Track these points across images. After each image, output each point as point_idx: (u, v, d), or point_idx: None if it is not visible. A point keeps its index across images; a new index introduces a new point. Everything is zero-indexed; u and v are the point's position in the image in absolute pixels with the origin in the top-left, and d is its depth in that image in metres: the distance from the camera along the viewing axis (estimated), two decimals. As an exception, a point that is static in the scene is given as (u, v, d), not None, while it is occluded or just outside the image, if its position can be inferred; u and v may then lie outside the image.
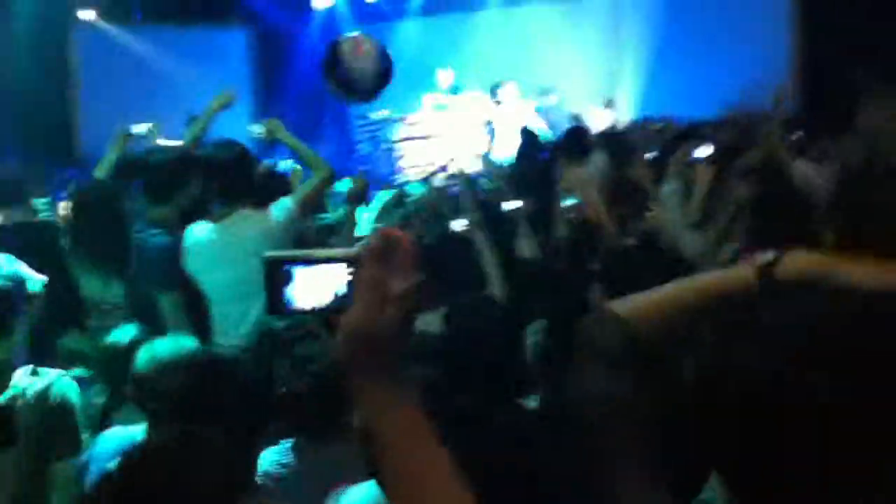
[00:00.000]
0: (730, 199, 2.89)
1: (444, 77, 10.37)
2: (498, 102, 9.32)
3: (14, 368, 2.41)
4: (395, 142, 10.43)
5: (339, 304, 1.04)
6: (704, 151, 3.22)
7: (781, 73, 8.78)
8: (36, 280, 2.50)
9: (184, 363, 2.36)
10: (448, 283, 3.30)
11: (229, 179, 3.31)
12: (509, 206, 3.97)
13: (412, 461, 0.91)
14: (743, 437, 0.81)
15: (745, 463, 0.81)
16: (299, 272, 1.06)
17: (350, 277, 1.03)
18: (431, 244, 4.35)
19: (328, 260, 1.06)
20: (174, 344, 2.48)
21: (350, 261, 1.03)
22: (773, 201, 2.59)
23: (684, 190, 3.17)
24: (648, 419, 1.06)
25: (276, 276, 1.06)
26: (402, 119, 10.40)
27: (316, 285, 1.06)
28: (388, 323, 0.92)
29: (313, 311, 1.06)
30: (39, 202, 4.39)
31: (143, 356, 2.43)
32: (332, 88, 3.86)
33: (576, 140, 5.89)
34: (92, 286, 3.50)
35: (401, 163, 10.42)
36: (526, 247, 3.85)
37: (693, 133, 4.65)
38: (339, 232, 4.68)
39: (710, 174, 3.19)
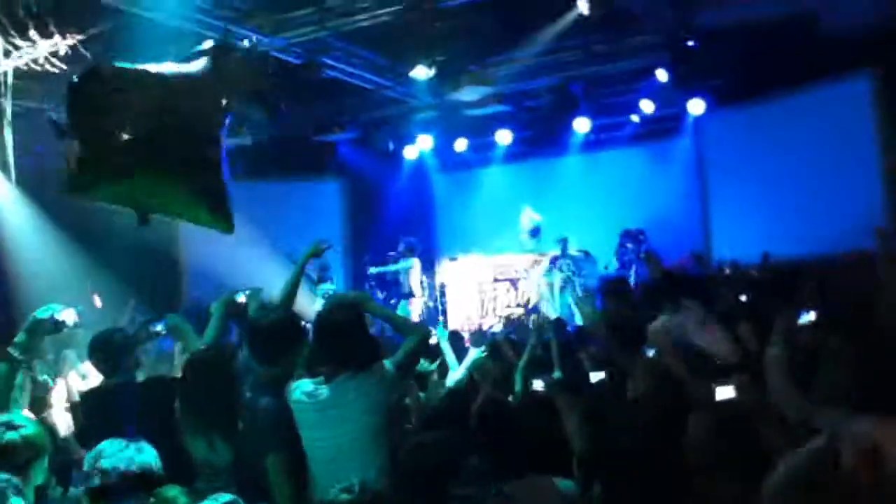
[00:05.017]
0: (841, 359, 2.82)
1: (527, 220, 10.62)
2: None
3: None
4: (483, 286, 10.56)
5: None
6: (810, 317, 3.16)
7: (876, 208, 8.63)
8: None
9: None
10: (528, 448, 3.26)
11: (340, 342, 3.43)
12: (595, 377, 3.92)
13: None
14: None
15: None
16: None
17: None
18: (511, 405, 4.32)
19: None
20: None
21: None
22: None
23: (789, 352, 3.11)
24: None
25: None
26: (490, 261, 10.58)
27: None
28: None
29: None
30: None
31: None
32: None
33: (665, 287, 5.82)
34: (198, 448, 3.59)
35: (487, 305, 10.52)
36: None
37: (793, 283, 4.57)
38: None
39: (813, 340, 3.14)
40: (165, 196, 3.63)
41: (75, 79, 3.55)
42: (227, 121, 3.88)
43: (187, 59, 3.90)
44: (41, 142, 9.15)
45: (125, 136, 3.31)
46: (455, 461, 3.04)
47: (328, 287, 10.47)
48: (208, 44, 3.87)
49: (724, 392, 2.40)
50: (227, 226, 3.81)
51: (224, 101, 3.80)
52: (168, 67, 3.71)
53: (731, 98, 10.01)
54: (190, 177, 3.67)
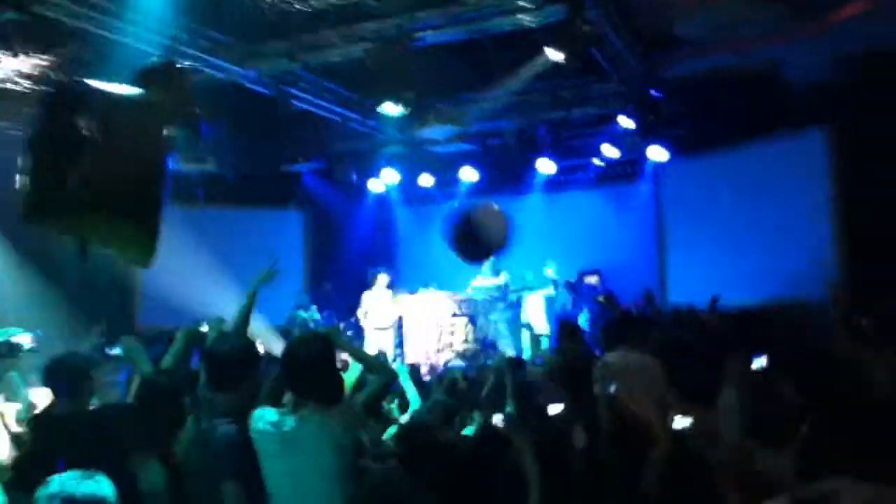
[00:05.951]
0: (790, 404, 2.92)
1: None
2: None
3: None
4: (441, 320, 10.55)
5: None
6: (759, 362, 3.26)
7: (827, 259, 8.89)
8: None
9: None
10: (484, 484, 3.29)
11: (307, 376, 3.43)
12: (553, 409, 3.99)
13: None
14: None
15: None
16: None
17: None
18: (468, 439, 4.35)
19: None
20: None
21: None
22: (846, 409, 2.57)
23: (742, 397, 3.19)
24: None
25: None
26: (449, 296, 10.59)
27: None
28: None
29: None
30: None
31: None
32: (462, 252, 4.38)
33: (621, 327, 5.92)
34: (148, 474, 3.55)
35: (444, 339, 10.51)
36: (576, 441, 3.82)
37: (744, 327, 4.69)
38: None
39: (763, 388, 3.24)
40: (104, 229, 3.47)
41: (41, 99, 3.42)
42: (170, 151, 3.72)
43: (132, 78, 3.77)
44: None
45: (75, 168, 3.18)
46: (412, 499, 3.06)
47: (306, 315, 10.41)
48: (150, 64, 3.74)
49: (682, 422, 2.48)
50: (148, 261, 3.61)
51: (166, 129, 3.65)
52: (120, 89, 3.54)
53: (691, 147, 10.30)
54: (131, 209, 3.50)
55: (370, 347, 9.55)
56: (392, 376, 3.79)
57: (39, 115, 3.35)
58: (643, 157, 10.91)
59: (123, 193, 3.26)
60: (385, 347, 9.75)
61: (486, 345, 10.12)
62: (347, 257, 12.34)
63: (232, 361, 3.59)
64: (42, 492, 2.56)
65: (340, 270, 12.15)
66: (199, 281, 10.01)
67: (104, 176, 3.20)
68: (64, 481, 2.57)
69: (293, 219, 12.76)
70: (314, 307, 11.02)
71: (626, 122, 9.79)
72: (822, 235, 9.21)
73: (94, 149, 3.19)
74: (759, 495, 2.40)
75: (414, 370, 6.63)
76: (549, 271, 10.22)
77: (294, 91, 8.91)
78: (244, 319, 4.14)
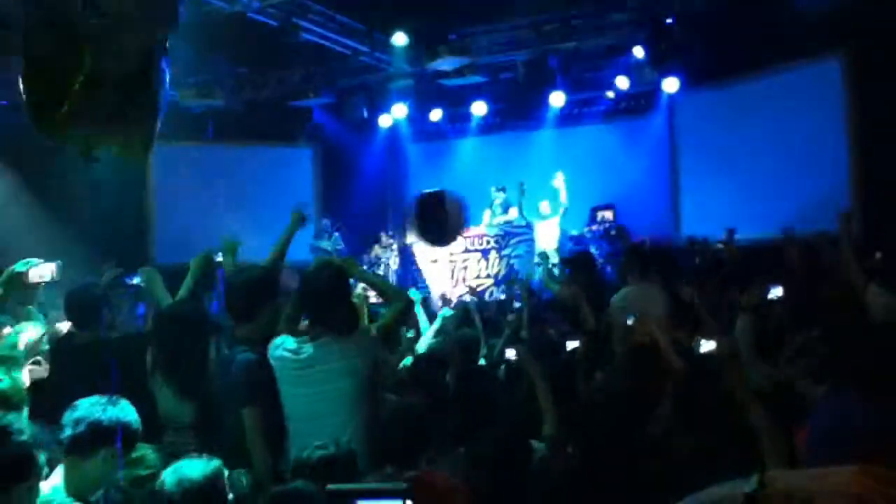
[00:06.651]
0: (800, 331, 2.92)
1: (498, 195, 10.68)
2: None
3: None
4: (454, 255, 10.57)
5: None
6: (775, 292, 3.25)
7: (842, 191, 8.78)
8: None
9: (209, 487, 2.39)
10: (500, 413, 3.32)
11: (323, 305, 3.45)
12: (571, 345, 4.01)
13: None
14: None
15: None
16: None
17: None
18: (482, 370, 4.39)
19: (383, 495, 1.32)
20: (202, 467, 2.45)
21: (403, 495, 1.27)
22: (850, 336, 2.57)
23: (756, 324, 3.20)
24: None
25: None
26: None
27: None
28: None
29: None
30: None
31: (170, 478, 2.40)
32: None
33: (635, 259, 5.92)
34: (165, 401, 3.61)
35: (457, 274, 10.55)
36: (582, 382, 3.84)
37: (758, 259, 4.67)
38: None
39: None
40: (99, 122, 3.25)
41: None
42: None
43: None
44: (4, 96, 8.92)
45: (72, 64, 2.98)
46: (430, 428, 3.10)
47: (328, 244, 10.46)
48: None
49: (707, 346, 2.49)
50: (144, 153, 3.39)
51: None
52: None
53: (705, 77, 10.10)
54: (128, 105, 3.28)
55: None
56: (409, 301, 3.80)
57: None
58: (657, 90, 10.72)
59: (122, 85, 3.10)
60: (439, 281, 9.89)
61: (498, 280, 10.16)
62: (358, 193, 12.31)
63: (250, 291, 3.61)
64: (68, 416, 2.60)
65: (351, 206, 12.14)
66: (211, 218, 10.03)
67: (101, 74, 3.03)
68: (90, 406, 2.62)
69: (303, 155, 12.70)
70: (337, 235, 11.02)
71: (639, 51, 9.59)
72: (838, 166, 9.08)
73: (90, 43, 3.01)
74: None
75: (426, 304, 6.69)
76: (559, 177, 10.13)
77: (301, 22, 8.74)
78: (276, 260, 4.14)
